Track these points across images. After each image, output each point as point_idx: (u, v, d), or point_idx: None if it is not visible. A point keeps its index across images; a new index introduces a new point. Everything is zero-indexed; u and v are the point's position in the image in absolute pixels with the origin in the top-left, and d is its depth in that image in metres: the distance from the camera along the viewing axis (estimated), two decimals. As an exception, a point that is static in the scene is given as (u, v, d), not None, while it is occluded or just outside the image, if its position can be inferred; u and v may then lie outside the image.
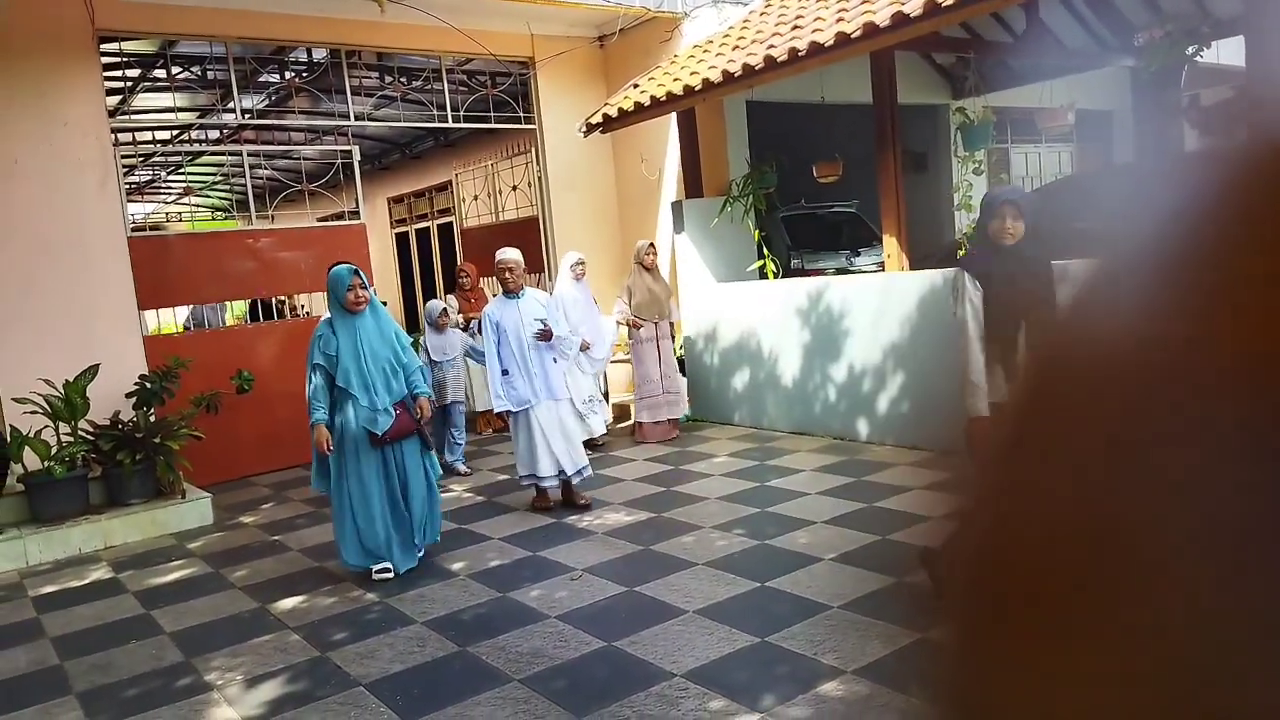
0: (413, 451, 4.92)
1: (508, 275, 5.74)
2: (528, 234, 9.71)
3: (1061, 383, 0.28)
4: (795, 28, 6.86)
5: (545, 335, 5.64)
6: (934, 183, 10.94)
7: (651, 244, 7.78)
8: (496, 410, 5.90)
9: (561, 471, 5.73)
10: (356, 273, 4.70)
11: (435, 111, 9.01)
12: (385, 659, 3.84)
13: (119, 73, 8.40)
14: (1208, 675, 0.23)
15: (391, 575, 4.79)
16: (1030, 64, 8.99)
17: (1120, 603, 0.25)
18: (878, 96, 6.93)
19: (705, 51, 7.90)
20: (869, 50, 6.36)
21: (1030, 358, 0.30)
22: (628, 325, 7.60)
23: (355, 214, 8.66)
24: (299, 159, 9.46)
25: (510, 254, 5.83)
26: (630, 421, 8.07)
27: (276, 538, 5.89)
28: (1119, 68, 10.21)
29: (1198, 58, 8.29)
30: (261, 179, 8.59)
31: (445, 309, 7.50)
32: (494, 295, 6.76)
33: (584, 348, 6.93)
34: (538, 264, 9.68)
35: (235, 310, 10.41)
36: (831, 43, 6.12)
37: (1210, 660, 0.23)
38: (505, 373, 5.67)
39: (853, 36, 6.00)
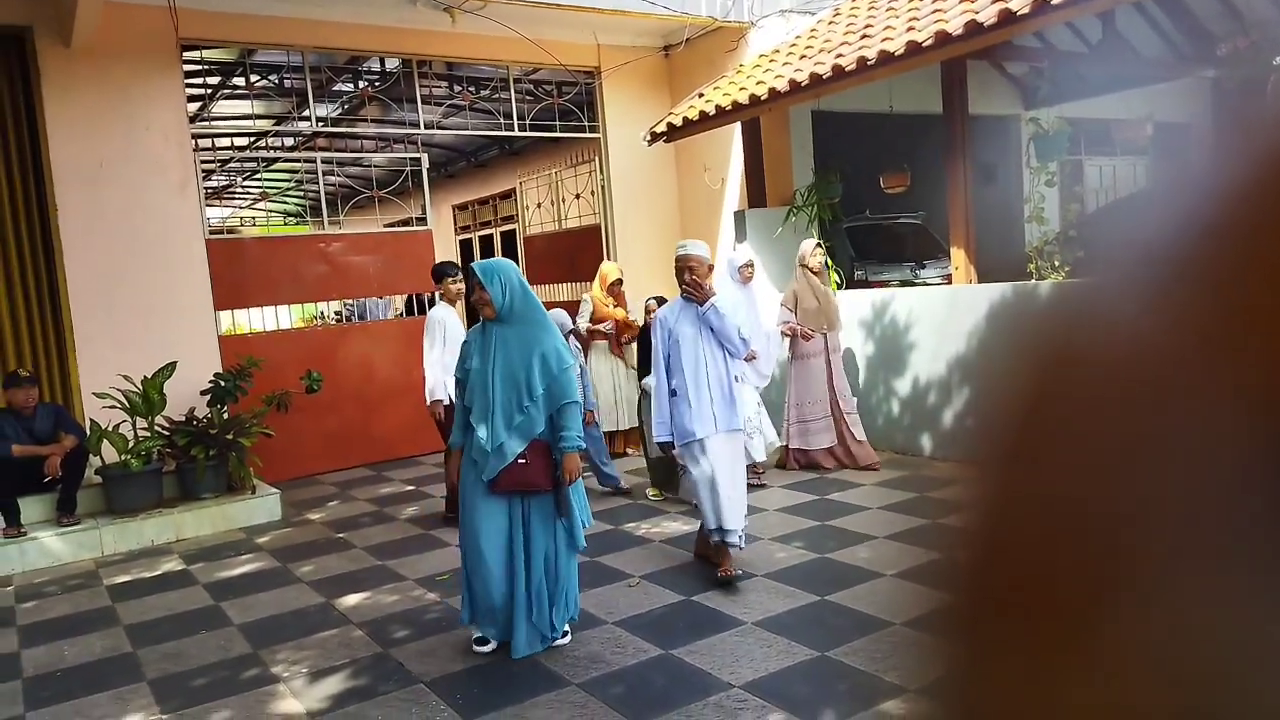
0: (543, 515, 3.78)
1: (687, 275, 4.60)
2: (590, 242, 9.78)
3: (1068, 385, 0.28)
4: (864, 36, 6.80)
5: (751, 356, 4.97)
6: (1004, 194, 10.74)
7: (819, 243, 6.82)
8: (658, 440, 4.69)
9: (719, 526, 4.54)
10: (457, 267, 3.80)
11: (502, 120, 9.14)
12: (445, 658, 3.88)
13: (200, 80, 8.70)
14: (1217, 679, 0.23)
15: (490, 649, 3.87)
16: (1105, 74, 8.78)
17: (1126, 605, 0.25)
18: (948, 106, 6.83)
19: (771, 61, 7.88)
20: (940, 59, 6.27)
21: (1036, 358, 0.29)
22: (793, 336, 6.65)
23: (422, 220, 8.82)
24: (369, 166, 9.67)
25: (695, 249, 4.66)
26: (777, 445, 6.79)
27: (341, 535, 6.01)
28: (1198, 78, 9.92)
29: (1285, 68, 8.01)
30: (333, 185, 8.79)
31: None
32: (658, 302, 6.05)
33: (749, 358, 5.89)
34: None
35: (307, 311, 10.68)
36: (902, 51, 6.05)
37: (1220, 664, 0.23)
38: (674, 394, 4.60)
39: (924, 45, 5.92)
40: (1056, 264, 6.88)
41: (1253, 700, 0.22)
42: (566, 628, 3.95)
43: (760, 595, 4.34)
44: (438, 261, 6.47)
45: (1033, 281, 6.70)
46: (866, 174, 8.37)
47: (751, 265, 6.51)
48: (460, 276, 5.78)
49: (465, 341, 3.91)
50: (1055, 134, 7.51)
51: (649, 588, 4.57)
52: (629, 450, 7.69)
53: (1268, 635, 0.22)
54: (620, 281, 7.53)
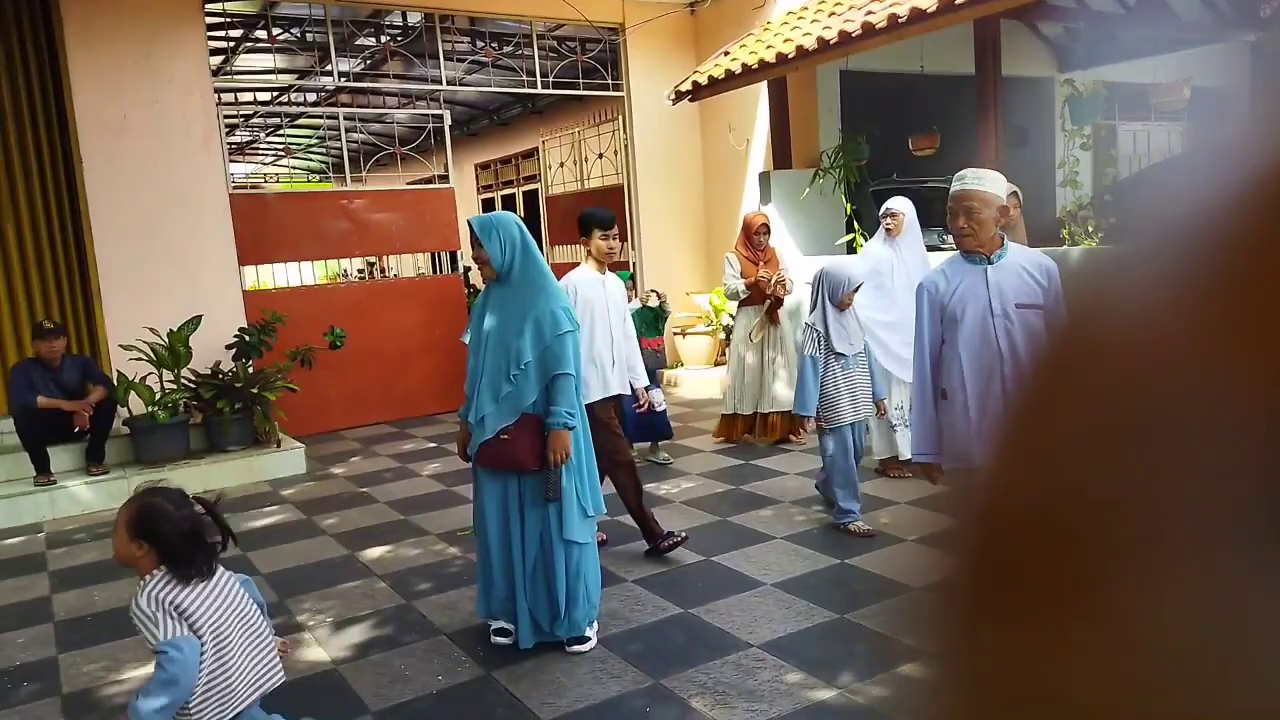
0: (534, 498, 3.43)
1: (962, 220, 3.11)
2: (612, 203, 9.71)
3: (1080, 365, 0.28)
4: (896, -6, 6.65)
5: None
6: (1036, 158, 10.55)
7: (1015, 191, 4.81)
8: (921, 459, 3.29)
9: None
10: (472, 227, 3.42)
11: (525, 78, 9.04)
12: (467, 611, 3.92)
13: (222, 33, 8.66)
14: (1220, 665, 0.23)
15: (508, 641, 3.56)
16: (1142, 37, 8.56)
17: (1129, 585, 0.25)
18: (980, 67, 6.70)
19: (800, 18, 7.73)
20: (973, 17, 6.14)
21: (1050, 340, 0.29)
22: None
23: (444, 178, 8.78)
24: (392, 123, 9.63)
25: (978, 182, 3.11)
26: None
27: (365, 489, 6.07)
28: (1239, 41, 9.65)
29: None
30: (355, 142, 8.76)
31: (859, 284, 4.74)
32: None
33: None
34: (621, 233, 9.66)
35: (330, 268, 10.72)
36: (935, 8, 5.92)
37: (1223, 651, 0.23)
38: (945, 395, 3.23)
39: (957, 3, 5.78)
40: (1090, 229, 6.77)
41: (1252, 679, 0.22)
42: (588, 632, 3.53)
43: (780, 557, 4.35)
44: (586, 210, 4.70)
45: (1064, 247, 6.60)
46: (895, 136, 8.24)
47: (897, 214, 5.28)
48: (615, 229, 4.62)
49: (474, 306, 3.61)
50: (1091, 97, 7.36)
51: (669, 547, 4.59)
52: (791, 437, 6.44)
53: (1268, 617, 0.22)
54: (766, 228, 6.38)
